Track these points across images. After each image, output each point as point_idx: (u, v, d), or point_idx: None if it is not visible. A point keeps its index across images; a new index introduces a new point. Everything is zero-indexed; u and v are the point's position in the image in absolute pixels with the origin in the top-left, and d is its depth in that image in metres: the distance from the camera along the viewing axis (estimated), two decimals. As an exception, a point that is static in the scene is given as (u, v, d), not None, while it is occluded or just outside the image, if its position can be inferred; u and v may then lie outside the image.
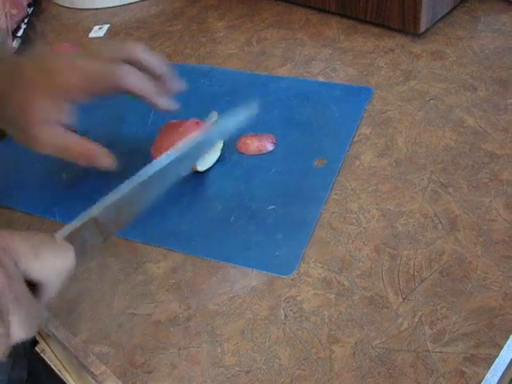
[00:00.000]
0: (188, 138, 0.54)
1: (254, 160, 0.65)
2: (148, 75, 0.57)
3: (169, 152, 0.52)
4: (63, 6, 1.08)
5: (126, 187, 0.48)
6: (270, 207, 0.59)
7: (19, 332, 0.37)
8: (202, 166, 0.63)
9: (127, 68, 0.55)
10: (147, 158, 0.59)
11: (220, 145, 0.65)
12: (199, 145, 0.55)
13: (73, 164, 0.54)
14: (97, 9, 1.04)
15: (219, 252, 0.56)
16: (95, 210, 0.46)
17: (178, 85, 0.60)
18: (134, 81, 0.55)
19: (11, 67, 0.56)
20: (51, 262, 0.40)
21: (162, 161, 0.51)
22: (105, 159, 0.56)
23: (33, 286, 0.40)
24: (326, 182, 0.61)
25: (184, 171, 0.55)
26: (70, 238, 0.44)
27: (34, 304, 0.39)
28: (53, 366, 0.99)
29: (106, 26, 0.97)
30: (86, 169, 0.55)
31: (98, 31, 0.96)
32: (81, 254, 0.44)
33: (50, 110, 0.54)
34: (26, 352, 0.68)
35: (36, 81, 0.55)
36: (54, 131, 0.55)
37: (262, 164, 0.65)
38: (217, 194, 0.62)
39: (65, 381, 0.99)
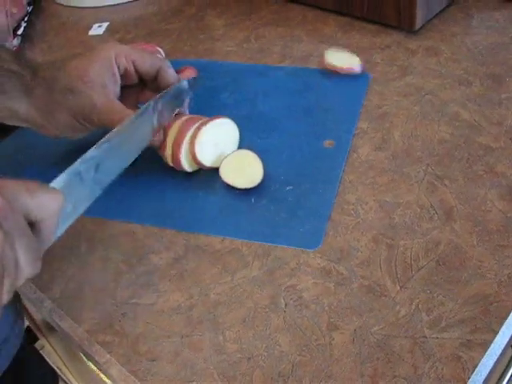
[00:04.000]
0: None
1: (265, 144, 0.67)
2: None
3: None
4: (62, 5, 1.09)
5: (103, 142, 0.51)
6: (287, 188, 0.61)
7: (26, 261, 0.39)
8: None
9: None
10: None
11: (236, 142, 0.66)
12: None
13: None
14: (96, 7, 1.05)
15: (244, 231, 0.58)
16: (79, 164, 0.48)
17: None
18: (173, 71, 0.62)
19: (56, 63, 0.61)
20: (45, 198, 0.41)
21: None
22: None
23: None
24: (338, 161, 0.64)
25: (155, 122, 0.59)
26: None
27: (34, 239, 0.40)
28: (51, 363, 1.00)
29: (105, 24, 0.98)
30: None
31: (98, 29, 0.97)
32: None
33: (104, 72, 0.59)
34: (19, 344, 0.69)
35: (89, 55, 0.60)
36: (110, 97, 0.59)
37: (273, 147, 0.67)
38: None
39: (57, 371, 1.00)
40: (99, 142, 0.50)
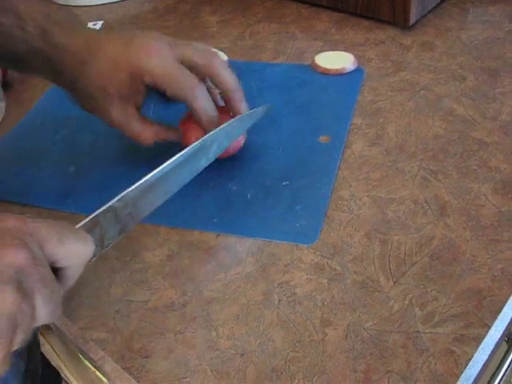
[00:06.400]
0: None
1: (261, 140, 0.67)
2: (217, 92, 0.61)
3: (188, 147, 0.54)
4: (57, 4, 1.08)
5: (144, 181, 0.49)
6: (283, 183, 0.61)
7: (44, 313, 0.38)
8: None
9: (203, 90, 0.56)
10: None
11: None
12: (217, 138, 0.57)
13: (80, 156, 0.55)
14: (90, 6, 1.05)
15: (241, 227, 0.58)
16: (115, 202, 0.47)
17: (242, 109, 0.60)
18: (202, 107, 0.56)
19: (89, 37, 0.58)
20: (74, 248, 0.41)
21: (178, 156, 0.52)
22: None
23: (55, 272, 0.40)
24: (333, 156, 0.64)
25: (204, 163, 0.57)
26: (90, 228, 0.45)
27: (57, 287, 0.40)
28: (53, 365, 1.00)
29: (99, 23, 0.98)
30: (93, 160, 0.56)
31: (92, 27, 0.97)
32: (99, 245, 0.45)
33: (127, 87, 0.56)
34: (39, 343, 0.69)
35: (118, 55, 0.56)
36: (129, 112, 0.58)
37: (269, 143, 0.67)
38: (229, 175, 0.64)
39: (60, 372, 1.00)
40: (141, 181, 0.49)
